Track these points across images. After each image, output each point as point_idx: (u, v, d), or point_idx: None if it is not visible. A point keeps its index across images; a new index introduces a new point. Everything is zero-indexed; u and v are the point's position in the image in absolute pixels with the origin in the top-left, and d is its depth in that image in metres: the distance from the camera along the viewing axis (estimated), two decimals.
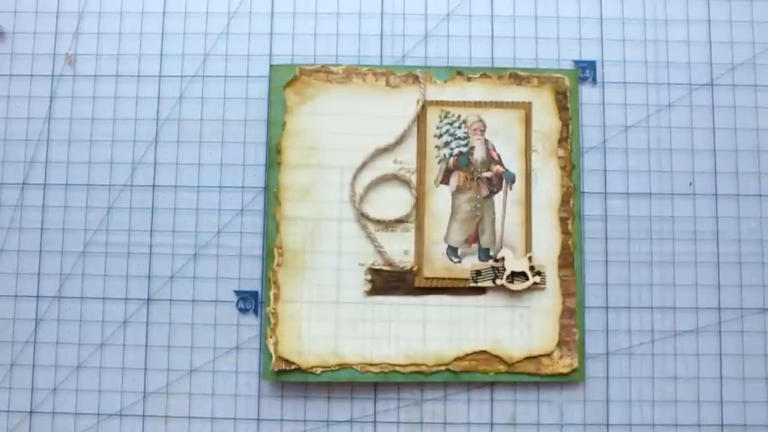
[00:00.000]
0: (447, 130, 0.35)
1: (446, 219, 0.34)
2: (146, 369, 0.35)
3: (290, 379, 0.34)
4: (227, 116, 0.36)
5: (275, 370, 0.34)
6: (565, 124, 0.35)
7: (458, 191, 0.35)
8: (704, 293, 0.35)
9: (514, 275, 0.34)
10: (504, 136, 0.35)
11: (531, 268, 0.34)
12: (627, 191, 0.36)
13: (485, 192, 0.35)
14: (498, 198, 0.35)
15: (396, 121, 0.35)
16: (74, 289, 0.35)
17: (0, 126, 0.36)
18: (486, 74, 0.36)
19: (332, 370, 0.34)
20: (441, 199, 0.35)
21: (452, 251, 0.34)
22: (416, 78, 0.36)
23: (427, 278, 0.34)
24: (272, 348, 0.34)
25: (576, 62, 0.36)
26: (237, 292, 0.35)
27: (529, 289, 0.34)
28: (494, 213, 0.35)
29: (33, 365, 0.35)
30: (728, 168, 0.36)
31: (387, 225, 0.35)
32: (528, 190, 0.35)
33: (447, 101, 0.35)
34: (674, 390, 0.34)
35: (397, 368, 0.34)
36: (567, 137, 0.35)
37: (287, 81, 0.36)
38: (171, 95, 0.36)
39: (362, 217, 0.35)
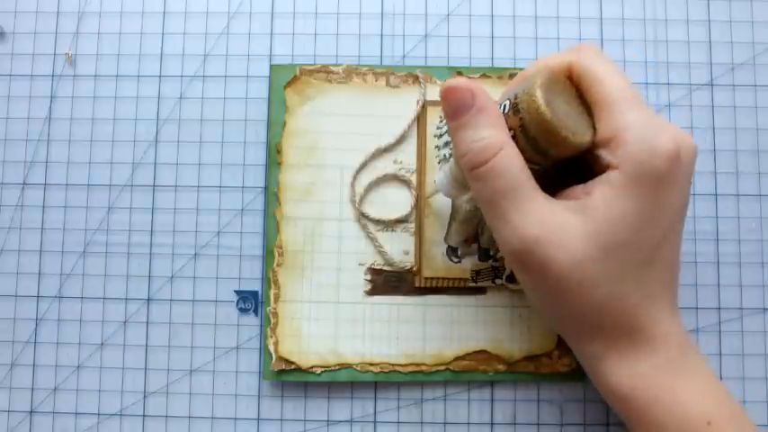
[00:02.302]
0: (447, 130, 0.35)
1: (446, 219, 0.34)
2: (146, 369, 0.35)
3: (290, 379, 0.34)
4: (227, 116, 0.36)
5: (275, 370, 0.34)
6: None
7: None
8: (704, 293, 0.35)
9: (514, 275, 0.34)
10: None
11: None
12: None
13: None
14: None
15: (396, 121, 0.35)
16: (74, 289, 0.35)
17: (0, 126, 0.36)
18: (486, 74, 0.36)
19: (332, 370, 0.34)
20: (441, 199, 0.34)
21: (452, 251, 0.34)
22: (416, 78, 0.36)
23: (427, 278, 0.34)
24: (272, 348, 0.34)
25: None
26: (237, 292, 0.35)
27: None
28: None
29: (33, 365, 0.35)
30: (728, 168, 0.36)
31: (387, 225, 0.35)
32: None
33: None
34: None
35: (398, 368, 0.34)
36: None
37: (287, 81, 0.36)
38: (171, 95, 0.36)
39: (362, 217, 0.35)
